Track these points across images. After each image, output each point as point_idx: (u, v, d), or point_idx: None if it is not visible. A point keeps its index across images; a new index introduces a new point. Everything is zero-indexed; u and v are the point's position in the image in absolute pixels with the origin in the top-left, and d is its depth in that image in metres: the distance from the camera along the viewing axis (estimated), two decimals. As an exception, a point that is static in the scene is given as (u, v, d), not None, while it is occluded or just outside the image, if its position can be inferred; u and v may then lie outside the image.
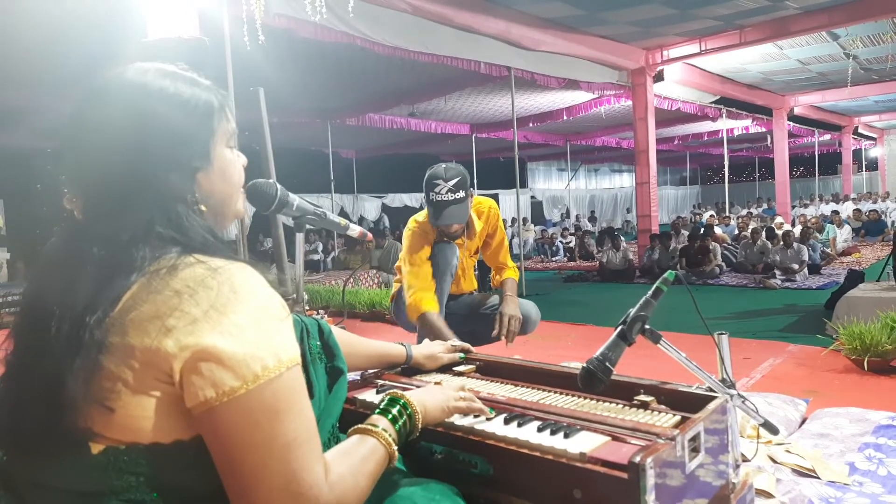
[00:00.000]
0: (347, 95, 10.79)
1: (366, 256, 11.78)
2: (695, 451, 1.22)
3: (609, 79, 10.02)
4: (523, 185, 23.22)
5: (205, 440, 0.88)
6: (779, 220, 12.64)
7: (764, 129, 16.27)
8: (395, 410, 1.15)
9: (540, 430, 1.26)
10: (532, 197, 24.82)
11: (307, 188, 15.54)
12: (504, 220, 3.50)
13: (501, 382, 1.66)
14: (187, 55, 4.38)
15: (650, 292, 1.47)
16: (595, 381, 1.38)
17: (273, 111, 5.81)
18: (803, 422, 2.83)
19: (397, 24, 6.71)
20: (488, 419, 1.34)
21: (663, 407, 1.38)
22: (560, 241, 15.07)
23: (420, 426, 1.19)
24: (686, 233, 11.56)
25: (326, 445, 1.16)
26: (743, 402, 1.44)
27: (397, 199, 21.05)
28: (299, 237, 2.10)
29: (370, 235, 2.39)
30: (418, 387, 1.58)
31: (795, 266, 8.95)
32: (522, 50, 8.21)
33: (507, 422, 1.33)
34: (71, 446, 0.87)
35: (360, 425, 1.09)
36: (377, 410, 1.15)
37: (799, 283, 8.58)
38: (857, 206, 17.23)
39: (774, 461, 2.25)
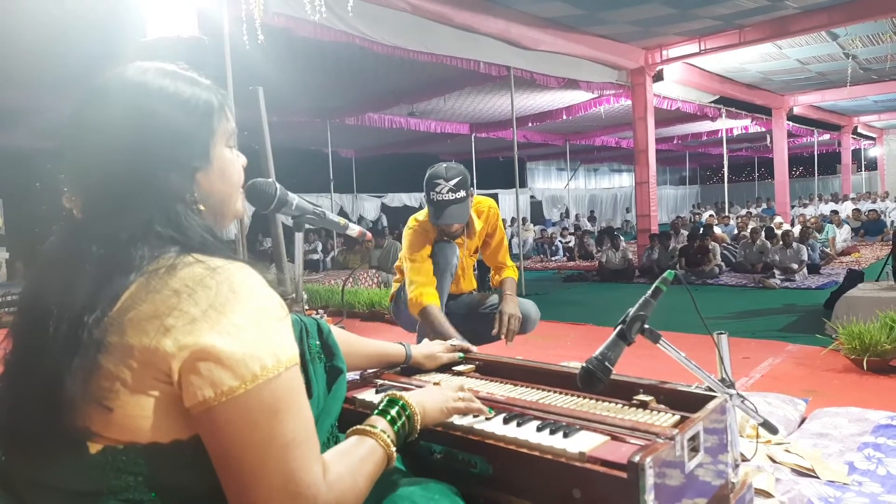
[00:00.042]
0: (347, 95, 10.79)
1: (365, 256, 11.78)
2: (694, 450, 1.22)
3: (608, 78, 10.02)
4: (523, 184, 23.23)
5: (203, 440, 0.88)
6: (778, 219, 12.64)
7: (763, 129, 16.28)
8: (393, 411, 1.15)
9: (539, 429, 1.26)
10: (531, 197, 24.82)
11: (306, 188, 15.55)
12: (503, 220, 3.50)
13: (501, 382, 1.66)
14: (186, 54, 4.38)
15: (649, 292, 1.47)
16: (594, 380, 1.38)
17: (272, 110, 5.81)
18: (802, 421, 2.83)
19: (397, 24, 6.71)
20: (487, 419, 1.34)
21: (662, 406, 1.38)
22: (559, 241, 15.07)
23: (419, 427, 1.19)
24: (685, 232, 11.56)
25: (325, 445, 1.16)
26: (742, 401, 1.44)
27: (396, 199, 21.05)
28: (298, 237, 2.09)
29: (369, 235, 2.39)
30: (417, 386, 1.58)
31: (795, 266, 8.95)
32: (522, 49, 8.21)
33: (506, 421, 1.32)
34: (69, 446, 0.87)
35: (358, 426, 1.09)
36: (376, 411, 1.15)
37: (798, 282, 8.58)
38: (856, 206, 17.24)
39: (774, 461, 2.26)
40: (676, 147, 21.78)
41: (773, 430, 1.62)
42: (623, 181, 29.97)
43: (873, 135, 23.17)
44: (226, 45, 5.10)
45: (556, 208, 25.15)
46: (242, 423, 0.85)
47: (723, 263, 9.93)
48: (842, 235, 12.47)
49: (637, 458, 1.05)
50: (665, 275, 1.51)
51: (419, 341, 2.85)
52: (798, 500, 2.00)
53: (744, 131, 17.02)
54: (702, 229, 11.40)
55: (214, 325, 0.85)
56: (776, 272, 8.95)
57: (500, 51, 8.02)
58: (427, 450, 1.32)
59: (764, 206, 21.82)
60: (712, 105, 13.15)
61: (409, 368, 1.76)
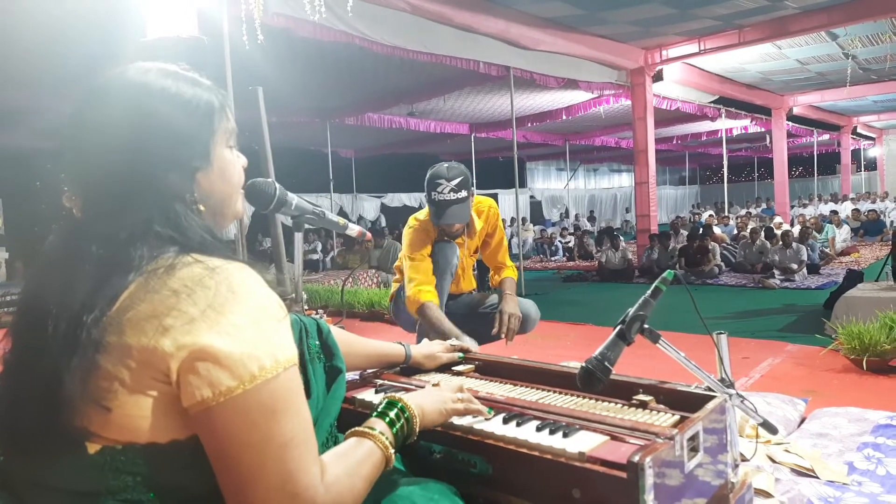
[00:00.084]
0: (346, 95, 10.79)
1: (364, 256, 11.79)
2: (693, 450, 1.22)
3: (608, 78, 10.02)
4: (522, 184, 23.23)
5: (201, 440, 0.87)
6: (778, 219, 12.64)
7: (763, 129, 16.28)
8: (392, 413, 1.15)
9: (539, 429, 1.26)
10: (531, 197, 24.82)
11: (306, 188, 15.55)
12: (503, 220, 3.50)
13: (500, 382, 1.66)
14: (186, 54, 4.38)
15: (649, 292, 1.47)
16: (594, 380, 1.38)
17: (272, 110, 5.81)
18: (802, 421, 2.83)
19: (396, 24, 6.71)
20: (486, 419, 1.34)
21: (662, 406, 1.38)
22: (559, 241, 15.07)
23: (418, 430, 1.19)
24: (685, 232, 11.56)
25: (325, 445, 1.16)
26: (742, 401, 1.44)
27: (396, 199, 21.05)
28: (298, 237, 2.09)
29: (369, 235, 2.39)
30: (417, 386, 1.58)
31: (794, 266, 8.95)
32: (521, 49, 8.21)
33: (505, 421, 1.33)
34: (68, 446, 0.87)
35: (357, 428, 1.09)
36: (375, 413, 1.15)
37: (798, 282, 8.58)
38: (855, 206, 17.24)
39: (773, 461, 2.26)
40: (676, 147, 21.78)
41: (772, 430, 1.63)
42: (623, 181, 29.98)
43: (873, 135, 23.18)
44: (225, 45, 5.09)
45: (555, 208, 25.15)
46: (240, 423, 0.85)
47: (722, 263, 9.93)
48: (841, 235, 12.48)
49: (637, 458, 1.05)
50: (665, 275, 1.51)
51: (419, 341, 2.85)
52: (798, 499, 2.00)
53: (743, 131, 17.02)
54: (701, 229, 11.40)
55: (213, 325, 0.85)
56: (776, 272, 8.95)
57: (500, 51, 8.02)
58: (427, 449, 1.32)
59: (763, 206, 21.83)
60: (712, 105, 13.16)
61: (409, 368, 1.76)
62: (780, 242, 9.39)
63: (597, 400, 1.45)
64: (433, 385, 1.37)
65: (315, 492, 0.88)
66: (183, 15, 4.59)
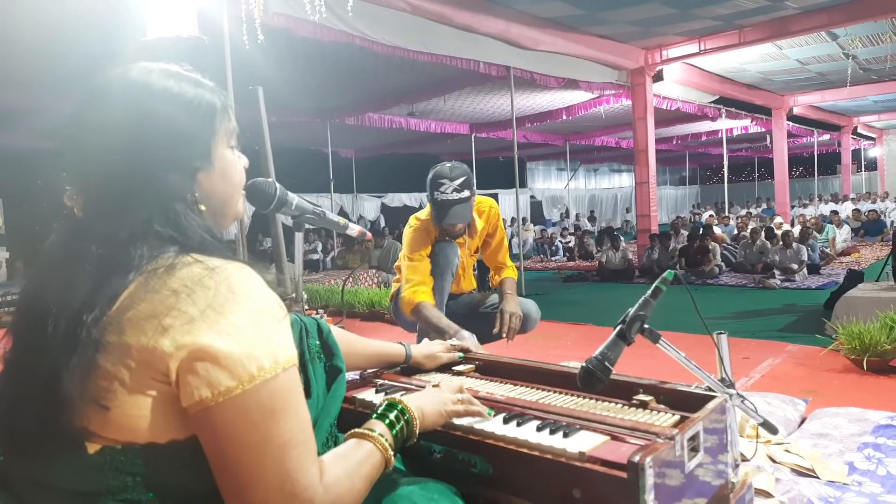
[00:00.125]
0: (347, 95, 10.79)
1: (365, 256, 11.78)
2: (694, 450, 1.22)
3: (608, 78, 10.02)
4: (523, 184, 23.22)
5: (200, 440, 0.87)
6: (778, 220, 12.64)
7: (763, 129, 16.28)
8: (392, 415, 1.14)
9: (539, 429, 1.26)
10: (531, 197, 24.83)
11: (306, 188, 15.54)
12: (503, 220, 3.50)
13: (500, 382, 1.66)
14: (186, 54, 4.38)
15: (649, 292, 1.47)
16: (594, 380, 1.38)
17: (272, 110, 5.81)
18: (802, 421, 2.83)
19: (396, 24, 6.71)
20: (486, 420, 1.34)
21: (662, 406, 1.38)
22: (559, 241, 15.07)
23: (417, 432, 1.18)
24: (685, 233, 11.56)
25: (325, 445, 1.16)
26: (742, 401, 1.44)
27: (396, 199, 21.05)
28: (298, 236, 2.09)
29: (369, 234, 2.39)
30: (418, 386, 1.58)
31: (795, 266, 8.95)
32: (522, 49, 8.21)
33: (506, 421, 1.32)
34: (68, 445, 0.87)
35: (357, 430, 1.09)
36: (374, 415, 1.15)
37: (798, 283, 8.58)
38: (856, 206, 17.24)
39: (774, 461, 2.26)
40: (676, 147, 21.78)
41: (772, 430, 1.62)
42: (623, 181, 29.97)
43: (873, 135, 23.18)
44: (226, 45, 5.09)
45: (556, 208, 25.16)
46: (239, 423, 0.85)
47: (723, 263, 9.93)
48: (842, 236, 12.48)
49: (637, 458, 1.05)
50: (665, 275, 1.51)
51: (419, 341, 2.85)
52: (798, 500, 2.00)
53: (744, 131, 17.02)
54: (702, 229, 11.40)
55: (213, 325, 0.85)
56: (776, 272, 8.95)
57: (500, 51, 8.02)
58: (427, 449, 1.32)
59: (764, 206, 21.82)
60: (712, 105, 13.16)
61: (409, 368, 1.76)
62: (781, 242, 9.39)
63: (597, 400, 1.45)
64: (433, 385, 1.36)
65: (314, 492, 0.88)
66: (183, 15, 4.59)
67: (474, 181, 3.03)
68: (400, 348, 1.74)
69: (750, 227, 11.67)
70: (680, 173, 31.60)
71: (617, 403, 1.42)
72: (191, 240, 0.93)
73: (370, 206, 20.42)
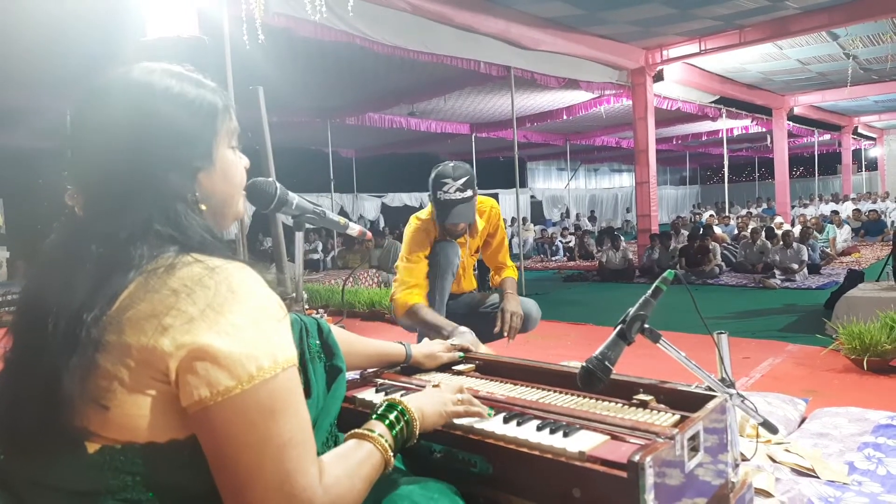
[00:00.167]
0: (347, 95, 10.79)
1: (365, 256, 11.78)
2: (694, 450, 1.22)
3: (609, 78, 10.02)
4: (523, 184, 23.23)
5: (199, 440, 0.87)
6: (778, 219, 12.64)
7: (763, 129, 16.28)
8: (392, 416, 1.14)
9: (539, 428, 1.26)
10: (532, 196, 24.83)
11: (307, 187, 15.53)
12: (504, 220, 3.50)
13: (501, 381, 1.66)
14: (186, 54, 4.38)
15: (649, 292, 1.47)
16: (594, 380, 1.38)
17: (272, 110, 5.80)
18: (802, 421, 2.83)
19: (397, 24, 6.71)
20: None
21: (662, 406, 1.38)
22: (560, 241, 15.07)
23: (418, 433, 1.18)
24: (686, 232, 11.56)
25: (325, 444, 1.16)
26: (742, 401, 1.44)
27: (397, 199, 21.06)
28: (299, 236, 2.09)
29: (370, 234, 2.39)
30: (418, 386, 1.59)
31: (795, 266, 8.95)
32: (522, 49, 8.21)
33: (506, 421, 1.32)
34: (67, 445, 0.87)
35: (357, 430, 1.09)
36: (374, 416, 1.15)
37: (798, 282, 8.58)
38: (856, 206, 17.24)
39: (774, 460, 2.26)
40: (677, 147, 21.78)
41: (773, 429, 1.63)
42: (623, 181, 29.97)
43: (873, 135, 23.17)
44: (226, 45, 5.09)
45: (556, 208, 25.16)
46: (239, 423, 0.85)
47: (723, 263, 9.93)
48: (842, 236, 12.47)
49: (637, 458, 1.05)
50: (665, 274, 1.51)
51: (420, 341, 2.85)
52: (798, 499, 2.00)
53: (744, 131, 17.02)
54: (702, 229, 11.40)
55: (212, 324, 0.85)
56: (776, 272, 8.95)
57: (501, 51, 8.02)
58: (427, 449, 1.32)
59: (764, 206, 21.81)
60: (712, 105, 13.15)
61: (409, 368, 1.76)
62: (781, 242, 9.39)
63: (597, 399, 1.45)
64: (433, 385, 1.36)
65: (313, 493, 0.88)
66: (183, 15, 4.59)
67: (476, 181, 3.03)
68: (400, 348, 1.74)
69: (750, 226, 11.66)
70: (680, 173, 31.59)
71: (617, 403, 1.42)
72: (191, 239, 0.93)
73: (370, 206, 20.43)
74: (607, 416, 1.31)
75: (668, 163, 27.69)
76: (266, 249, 13.62)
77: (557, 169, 26.18)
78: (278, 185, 1.84)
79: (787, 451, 2.31)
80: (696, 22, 8.61)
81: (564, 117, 13.18)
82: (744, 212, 20.00)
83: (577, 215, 22.97)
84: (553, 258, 14.37)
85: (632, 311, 1.45)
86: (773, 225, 11.75)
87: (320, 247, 14.98)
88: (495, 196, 14.71)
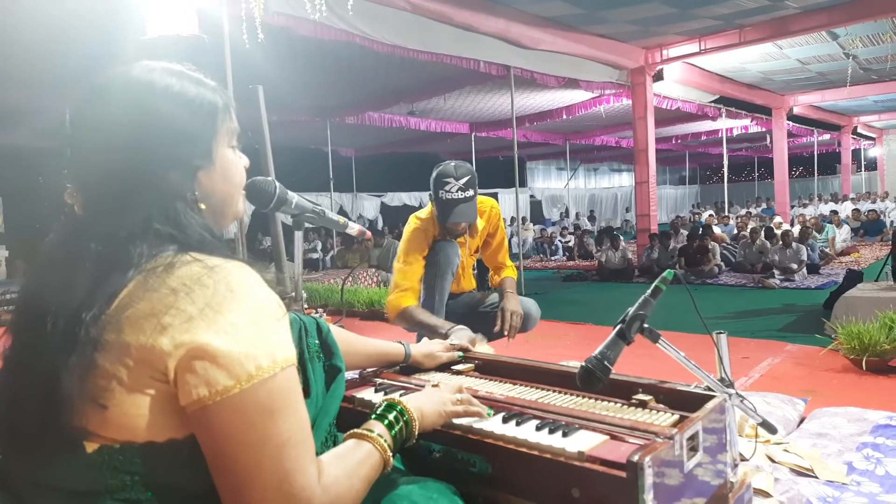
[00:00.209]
0: (347, 94, 10.78)
1: (364, 255, 11.78)
2: (693, 450, 1.22)
3: (608, 78, 10.01)
4: (522, 184, 23.23)
5: (198, 439, 0.87)
6: (778, 219, 12.63)
7: (763, 129, 16.27)
8: (391, 416, 1.14)
9: (538, 428, 1.26)
10: (531, 196, 24.82)
11: (306, 187, 15.53)
12: (504, 220, 3.50)
13: (500, 381, 1.66)
14: (186, 53, 4.38)
15: (649, 291, 1.47)
16: (594, 379, 1.38)
17: (272, 109, 5.80)
18: (801, 421, 2.83)
19: (397, 23, 6.70)
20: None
21: (662, 406, 1.38)
22: (559, 241, 15.06)
23: (417, 433, 1.18)
24: (685, 232, 11.56)
25: (324, 444, 1.16)
26: (741, 401, 1.44)
27: (396, 198, 21.05)
28: (298, 235, 2.09)
29: (369, 233, 2.39)
30: (417, 386, 1.59)
31: (794, 266, 8.95)
32: (522, 49, 8.20)
33: (505, 420, 1.32)
34: (66, 445, 0.87)
35: (356, 430, 1.09)
36: (373, 416, 1.15)
37: (798, 282, 8.58)
38: (855, 206, 17.24)
39: (773, 460, 2.26)
40: (676, 147, 21.77)
41: (772, 429, 1.63)
42: (623, 181, 29.97)
43: (873, 135, 23.17)
44: (226, 44, 5.09)
45: (555, 208, 25.15)
46: (237, 422, 0.85)
47: (722, 263, 9.93)
48: (841, 235, 12.47)
49: (636, 458, 1.05)
50: (664, 274, 1.51)
51: (419, 340, 2.85)
52: (797, 499, 2.00)
53: (744, 131, 17.01)
54: (701, 229, 11.40)
55: (211, 323, 0.85)
56: (776, 272, 8.95)
57: (500, 50, 8.01)
58: (426, 449, 1.32)
59: (763, 205, 21.82)
60: (712, 105, 13.15)
61: (409, 367, 1.76)
62: (780, 242, 9.39)
63: (596, 399, 1.45)
64: (432, 385, 1.36)
65: (312, 492, 0.88)
66: (183, 14, 4.59)
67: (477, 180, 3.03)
68: (399, 347, 1.74)
69: (749, 226, 11.67)
70: (680, 173, 31.59)
71: (616, 403, 1.42)
72: (190, 238, 0.93)
73: (370, 205, 20.42)
74: (606, 416, 1.31)
75: (667, 162, 27.68)
76: (265, 249, 13.63)
77: (557, 168, 26.18)
78: (278, 184, 1.84)
79: (785, 451, 2.31)
80: (696, 21, 8.60)
81: (564, 117, 13.17)
82: (743, 211, 20.01)
83: (577, 215, 22.96)
84: (552, 258, 14.37)
85: (631, 310, 1.45)
86: (772, 225, 11.75)
87: (319, 246, 14.98)
88: (495, 195, 14.71)
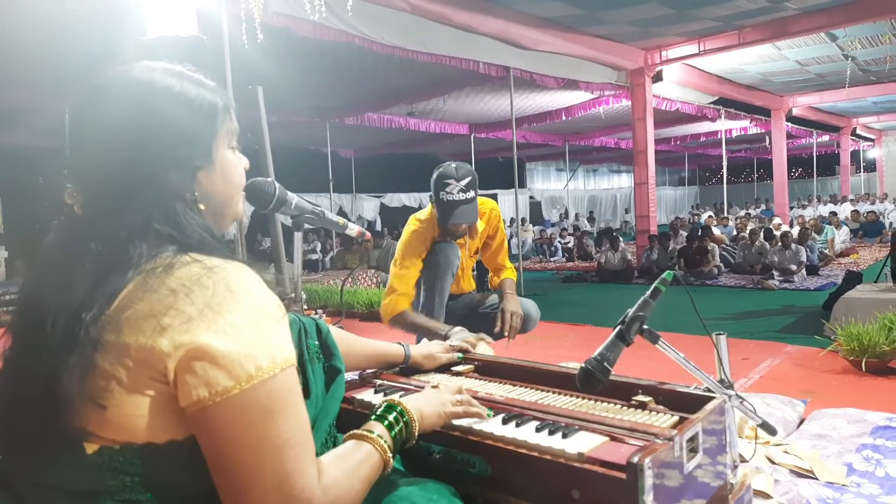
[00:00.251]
0: (346, 94, 10.79)
1: (364, 256, 11.78)
2: (693, 451, 1.22)
3: (608, 79, 10.02)
4: (522, 185, 23.24)
5: (198, 440, 0.87)
6: (777, 220, 12.64)
7: (762, 130, 16.28)
8: (391, 417, 1.14)
9: (538, 429, 1.26)
10: (531, 197, 24.83)
11: (306, 187, 15.52)
12: (503, 221, 3.50)
13: (500, 382, 1.66)
14: (186, 54, 4.38)
15: (648, 292, 1.47)
16: (593, 381, 1.38)
17: (272, 110, 5.80)
18: (801, 422, 2.83)
19: (396, 23, 6.71)
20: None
21: (661, 407, 1.38)
22: (559, 242, 15.07)
23: (416, 433, 1.18)
24: (684, 233, 11.56)
25: (324, 445, 1.16)
26: (741, 402, 1.44)
27: (396, 199, 21.05)
28: (297, 236, 2.09)
29: (368, 234, 2.39)
30: (416, 387, 1.58)
31: (793, 267, 8.96)
32: (521, 50, 8.20)
33: (505, 422, 1.32)
34: (66, 445, 0.87)
35: (356, 431, 1.09)
36: (373, 417, 1.14)
37: (797, 283, 8.58)
38: (855, 208, 17.25)
39: (772, 462, 2.26)
40: (675, 148, 21.77)
41: (771, 431, 1.62)
42: (622, 182, 29.98)
43: (872, 136, 23.19)
44: (225, 45, 5.09)
45: (555, 209, 25.16)
46: (237, 423, 0.85)
47: (721, 264, 9.93)
48: (840, 237, 12.48)
49: (636, 459, 1.05)
50: (664, 275, 1.51)
51: (419, 341, 2.85)
52: (796, 501, 2.00)
53: (743, 132, 17.03)
54: (700, 230, 11.41)
55: (210, 324, 0.85)
56: (775, 273, 8.95)
57: (500, 51, 8.02)
58: (426, 450, 1.32)
59: (763, 207, 21.83)
60: (711, 106, 13.15)
61: (408, 368, 1.76)
62: (780, 243, 9.40)
63: (596, 400, 1.45)
64: (432, 386, 1.36)
65: (312, 493, 0.88)
66: (182, 14, 4.60)
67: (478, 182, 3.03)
68: (399, 348, 1.74)
69: (749, 227, 11.67)
70: (679, 174, 31.62)
71: (616, 404, 1.42)
72: (190, 239, 0.93)
73: (369, 207, 20.42)
74: (606, 418, 1.31)
75: (666, 164, 27.71)
76: (265, 249, 13.62)
77: (556, 169, 26.18)
78: (277, 185, 1.84)
79: (785, 452, 2.31)
80: (696, 23, 8.61)
81: (563, 118, 13.18)
82: (742, 213, 20.02)
83: (576, 216, 22.97)
84: (552, 259, 14.37)
85: (630, 311, 1.45)
86: (771, 226, 11.75)
87: (319, 247, 14.98)
88: (494, 196, 14.72)
